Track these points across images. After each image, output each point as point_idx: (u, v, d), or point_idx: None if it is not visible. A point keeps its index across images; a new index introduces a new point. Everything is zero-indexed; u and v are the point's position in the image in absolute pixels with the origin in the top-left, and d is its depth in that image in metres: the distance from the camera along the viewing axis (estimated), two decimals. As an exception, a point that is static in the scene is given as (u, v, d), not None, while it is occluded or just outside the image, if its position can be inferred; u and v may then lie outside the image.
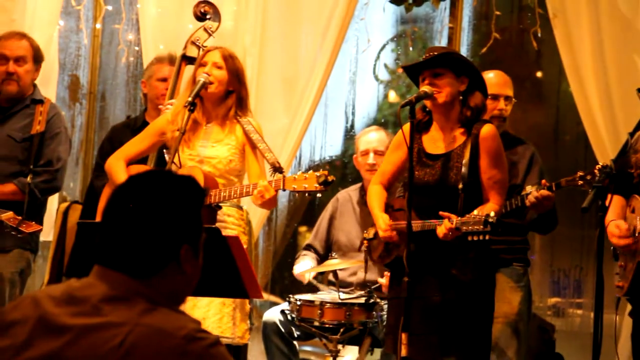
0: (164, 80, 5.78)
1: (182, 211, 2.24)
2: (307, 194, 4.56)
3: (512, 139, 5.37)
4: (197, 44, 5.47)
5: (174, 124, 4.86)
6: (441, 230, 4.30)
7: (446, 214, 4.29)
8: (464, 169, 4.45)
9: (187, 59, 5.53)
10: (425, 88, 4.50)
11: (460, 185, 4.42)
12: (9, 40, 5.63)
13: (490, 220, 4.15)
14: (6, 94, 5.61)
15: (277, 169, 4.60)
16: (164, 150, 5.18)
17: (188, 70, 5.46)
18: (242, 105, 4.93)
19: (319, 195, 4.56)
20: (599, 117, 5.84)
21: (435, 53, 4.56)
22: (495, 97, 5.24)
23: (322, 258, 5.95)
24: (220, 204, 4.71)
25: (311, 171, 4.45)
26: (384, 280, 5.53)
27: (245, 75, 5.01)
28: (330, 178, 4.39)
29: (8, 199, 5.30)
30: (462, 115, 4.56)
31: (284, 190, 4.51)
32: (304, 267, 5.86)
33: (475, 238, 4.21)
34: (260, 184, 4.53)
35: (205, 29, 5.45)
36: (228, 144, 4.88)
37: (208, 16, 5.47)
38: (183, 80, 5.44)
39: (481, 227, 4.17)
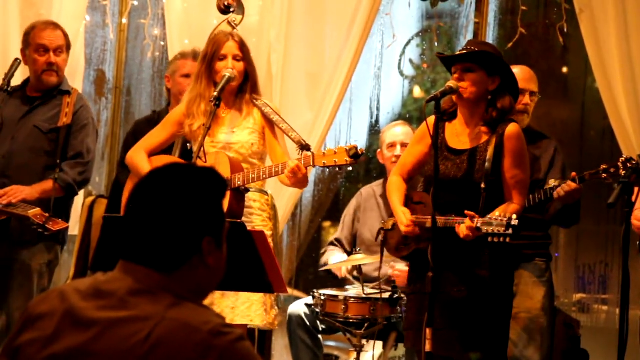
0: (188, 76, 5.78)
1: (202, 203, 2.24)
2: (337, 168, 4.53)
3: (535, 133, 5.37)
4: None
5: (190, 117, 4.89)
6: (462, 230, 4.29)
7: (470, 213, 4.27)
8: (487, 166, 4.44)
9: None
10: (451, 83, 4.49)
11: (483, 185, 4.40)
12: (46, 31, 5.62)
13: (513, 223, 4.14)
14: (47, 85, 5.62)
15: (304, 146, 4.58)
16: (187, 145, 5.21)
17: None
18: (255, 87, 4.97)
19: (349, 168, 4.53)
20: (625, 113, 5.81)
21: (474, 48, 4.54)
22: (521, 92, 5.24)
23: (348, 254, 5.95)
24: (248, 187, 4.72)
25: (340, 145, 4.43)
26: (390, 272, 5.52)
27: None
28: (360, 150, 4.36)
29: (49, 196, 5.31)
30: (487, 115, 4.53)
31: (314, 166, 4.50)
32: (339, 258, 5.85)
33: (496, 240, 4.20)
34: (290, 163, 4.53)
35: (229, 22, 5.45)
36: (247, 128, 4.90)
37: (232, 9, 5.46)
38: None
39: (503, 229, 4.16)
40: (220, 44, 4.94)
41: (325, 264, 5.87)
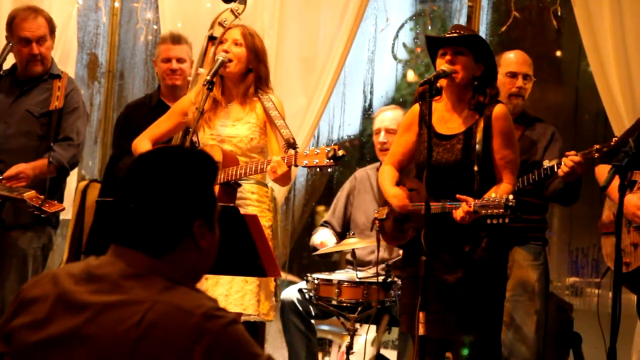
0: (169, 60, 5.89)
1: (192, 186, 2.24)
2: (318, 169, 4.53)
3: (532, 118, 5.37)
4: (224, 25, 5.49)
5: (196, 104, 4.88)
6: (459, 213, 4.30)
7: (464, 197, 4.29)
8: (478, 148, 4.44)
9: (213, 40, 5.55)
10: (444, 67, 4.47)
11: (476, 168, 4.41)
12: (26, 22, 5.58)
13: (510, 204, 4.16)
14: (33, 74, 5.63)
15: (290, 144, 4.58)
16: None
17: None
18: (262, 83, 4.94)
19: (329, 170, 4.54)
20: (619, 97, 5.82)
21: (462, 32, 4.55)
22: (514, 75, 5.27)
23: (339, 236, 5.95)
24: (240, 182, 4.72)
25: (322, 146, 4.44)
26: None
27: (266, 54, 5.01)
28: (340, 152, 4.36)
29: (44, 175, 5.31)
30: (474, 99, 4.54)
31: (295, 165, 4.50)
32: (323, 236, 5.85)
33: (495, 221, 4.22)
34: (273, 160, 4.53)
35: (232, 11, 5.46)
36: (248, 122, 4.88)
37: None
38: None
39: (501, 210, 4.18)
40: (226, 30, 4.98)
41: (316, 248, 5.87)
